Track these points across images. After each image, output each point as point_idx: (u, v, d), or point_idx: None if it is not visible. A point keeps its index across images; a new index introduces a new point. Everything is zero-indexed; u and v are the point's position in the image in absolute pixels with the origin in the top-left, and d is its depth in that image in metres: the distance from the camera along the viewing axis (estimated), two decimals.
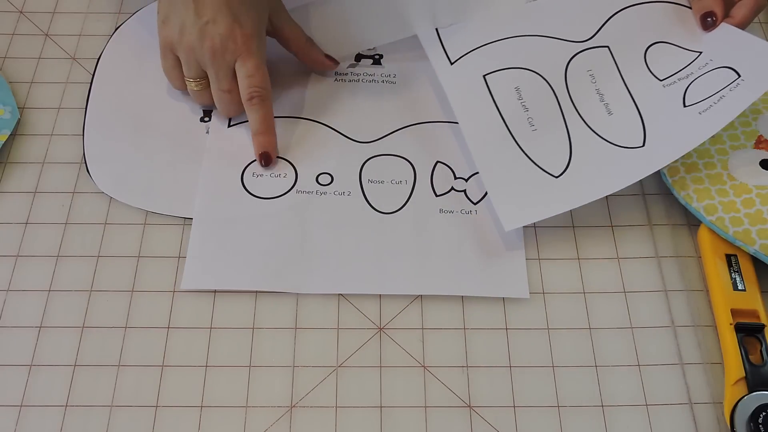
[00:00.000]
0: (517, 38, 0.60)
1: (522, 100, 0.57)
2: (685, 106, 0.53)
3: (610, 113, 0.56)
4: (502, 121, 0.56)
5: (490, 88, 0.58)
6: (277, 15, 0.58)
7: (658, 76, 0.57)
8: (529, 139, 0.55)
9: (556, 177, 0.53)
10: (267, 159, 0.56)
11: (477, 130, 0.56)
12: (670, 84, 0.56)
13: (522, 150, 0.55)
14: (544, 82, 0.57)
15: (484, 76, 0.59)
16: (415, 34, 0.62)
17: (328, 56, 0.60)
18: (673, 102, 0.54)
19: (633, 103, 0.56)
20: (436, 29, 0.62)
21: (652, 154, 0.52)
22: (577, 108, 0.56)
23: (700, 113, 0.52)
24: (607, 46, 0.59)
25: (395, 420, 0.47)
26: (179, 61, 0.56)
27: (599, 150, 0.54)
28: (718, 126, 0.50)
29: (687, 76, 0.55)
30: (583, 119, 0.56)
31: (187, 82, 0.57)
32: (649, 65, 0.57)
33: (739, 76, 0.52)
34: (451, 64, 0.60)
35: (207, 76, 0.56)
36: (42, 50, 0.63)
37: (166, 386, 0.48)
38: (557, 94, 0.57)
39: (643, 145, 0.53)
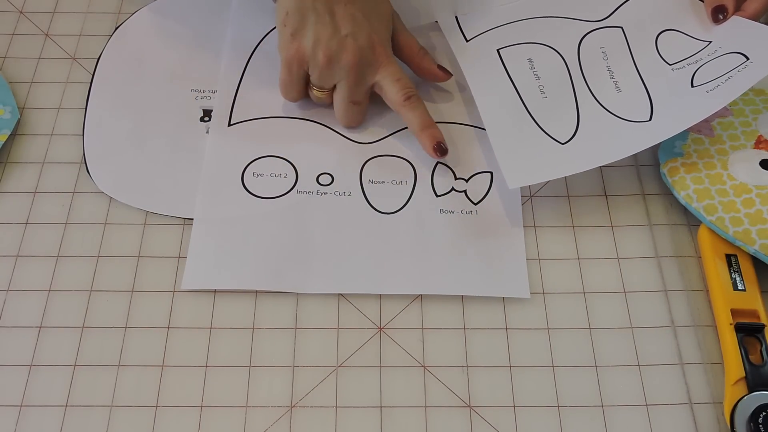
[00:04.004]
0: (532, 19, 0.62)
1: (534, 70, 0.58)
2: (693, 86, 0.54)
3: (619, 90, 0.57)
4: (513, 87, 0.58)
5: (504, 60, 0.59)
6: (394, 23, 0.58)
7: (668, 61, 0.58)
8: (538, 106, 0.56)
9: (563, 144, 0.54)
10: (442, 149, 0.55)
11: (488, 95, 0.58)
12: (679, 68, 0.57)
13: (531, 116, 0.56)
14: (557, 54, 0.59)
15: (498, 50, 0.60)
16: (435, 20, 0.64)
17: (440, 67, 0.59)
18: (681, 83, 0.55)
19: (642, 83, 0.57)
20: (455, 16, 0.64)
21: (658, 127, 0.53)
22: (588, 82, 0.57)
23: (707, 92, 0.53)
24: (621, 27, 0.60)
25: (395, 420, 0.47)
26: (304, 73, 0.55)
27: (606, 122, 0.55)
28: (724, 101, 0.51)
29: (696, 62, 0.56)
30: (592, 93, 0.57)
31: (314, 90, 0.56)
32: (659, 50, 0.58)
33: (748, 59, 0.53)
34: (467, 41, 0.62)
35: (334, 86, 0.56)
36: (42, 50, 0.63)
37: (166, 386, 0.48)
38: (569, 67, 0.58)
39: (650, 119, 0.54)
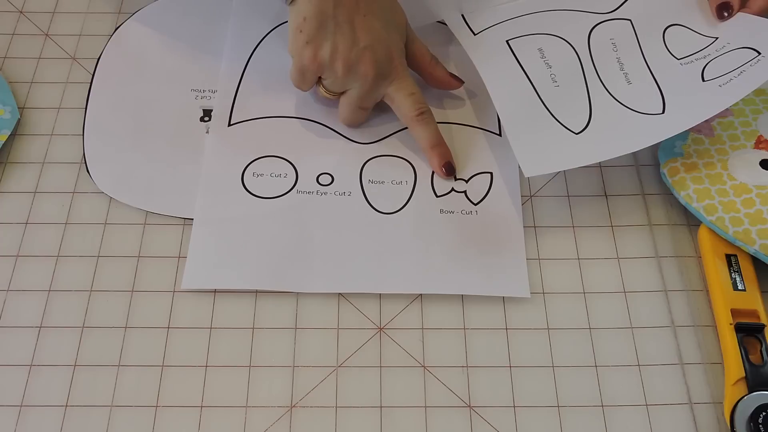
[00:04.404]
0: (540, 12, 0.62)
1: (545, 59, 0.58)
2: (704, 81, 0.54)
3: (629, 82, 0.56)
4: (525, 76, 0.57)
5: (514, 50, 0.59)
6: (407, 32, 0.57)
7: (676, 55, 0.57)
8: (551, 94, 0.56)
9: (576, 134, 0.54)
10: (450, 168, 0.55)
11: (501, 85, 0.57)
12: (687, 63, 0.56)
13: (545, 105, 0.56)
14: (567, 44, 0.59)
15: (507, 41, 0.60)
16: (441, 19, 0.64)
17: (452, 75, 0.59)
18: (692, 77, 0.55)
19: (651, 76, 0.56)
20: (462, 14, 0.63)
21: (672, 120, 0.53)
22: (598, 72, 0.57)
23: (720, 86, 0.52)
24: (629, 20, 0.60)
25: (395, 420, 0.47)
26: (317, 77, 0.55)
27: (619, 113, 0.54)
28: (739, 95, 0.51)
29: (704, 57, 0.56)
30: (603, 84, 0.56)
31: (323, 91, 0.56)
32: (667, 44, 0.58)
33: (759, 53, 0.53)
34: (475, 35, 0.61)
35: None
36: (42, 50, 0.63)
37: (166, 386, 0.48)
38: (580, 57, 0.58)
39: (663, 112, 0.54)
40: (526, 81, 0.57)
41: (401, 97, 0.55)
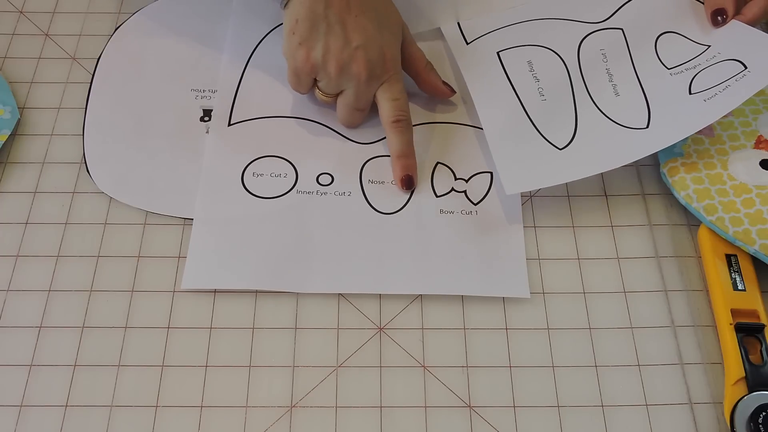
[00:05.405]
0: (533, 21, 0.62)
1: (533, 72, 0.58)
2: (690, 93, 0.54)
3: (617, 94, 0.57)
4: (512, 90, 0.58)
5: (503, 62, 0.59)
6: (404, 35, 0.57)
7: (666, 65, 0.57)
8: (537, 108, 0.56)
9: (560, 149, 0.54)
10: (410, 182, 0.55)
11: (487, 98, 0.57)
12: (677, 73, 0.57)
13: (530, 119, 0.56)
14: (557, 56, 0.59)
15: (498, 52, 0.60)
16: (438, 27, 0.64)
17: (445, 83, 0.59)
18: (679, 89, 0.55)
19: (640, 87, 0.56)
20: (458, 22, 0.64)
21: (655, 136, 0.53)
22: (587, 84, 0.57)
23: (705, 100, 0.53)
24: (621, 29, 0.60)
25: (395, 420, 0.47)
26: (313, 79, 0.55)
27: (603, 128, 0.55)
28: (722, 112, 0.51)
29: (695, 67, 0.56)
30: (590, 96, 0.57)
31: (319, 93, 0.56)
32: (658, 53, 0.58)
33: (746, 67, 0.53)
34: (467, 44, 0.62)
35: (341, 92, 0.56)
36: (42, 50, 0.63)
37: (166, 386, 0.48)
38: (569, 69, 0.58)
39: (647, 127, 0.54)
40: (512, 95, 0.57)
41: (384, 100, 0.55)
